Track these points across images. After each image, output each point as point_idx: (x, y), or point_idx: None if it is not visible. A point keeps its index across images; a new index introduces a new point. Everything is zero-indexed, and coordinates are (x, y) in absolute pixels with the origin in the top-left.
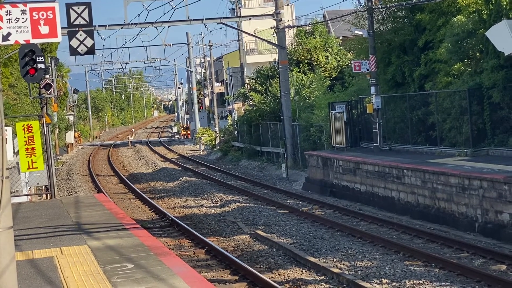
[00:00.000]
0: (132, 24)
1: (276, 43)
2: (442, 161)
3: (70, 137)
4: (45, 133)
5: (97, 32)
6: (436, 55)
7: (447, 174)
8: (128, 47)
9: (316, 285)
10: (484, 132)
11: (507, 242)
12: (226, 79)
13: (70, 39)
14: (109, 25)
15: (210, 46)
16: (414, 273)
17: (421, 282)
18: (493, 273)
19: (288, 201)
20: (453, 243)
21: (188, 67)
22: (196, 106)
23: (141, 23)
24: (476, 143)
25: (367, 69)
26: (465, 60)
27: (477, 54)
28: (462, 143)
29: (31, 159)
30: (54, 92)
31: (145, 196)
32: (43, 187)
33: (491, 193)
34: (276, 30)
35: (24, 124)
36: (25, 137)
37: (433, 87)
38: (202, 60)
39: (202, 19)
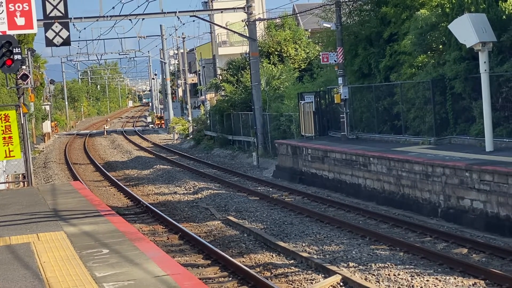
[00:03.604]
0: (107, 16)
1: (247, 35)
2: (407, 149)
3: (46, 126)
4: (22, 122)
5: (73, 24)
6: (401, 47)
7: (411, 161)
8: (104, 39)
9: (285, 268)
10: (447, 121)
11: (468, 227)
12: (199, 70)
13: (46, 31)
14: (84, 17)
15: (183, 38)
16: (379, 257)
17: (386, 265)
18: (455, 256)
19: (259, 188)
20: (417, 227)
21: (162, 58)
22: (169, 97)
23: (116, 16)
24: (439, 132)
25: (335, 61)
26: (429, 52)
27: (440, 46)
28: (425, 132)
29: (8, 148)
30: (31, 83)
31: (120, 184)
32: (20, 175)
33: (453, 180)
34: (247, 23)
35: (1, 114)
36: (2, 126)
37: (398, 78)
38: (176, 51)
39: (176, 12)
